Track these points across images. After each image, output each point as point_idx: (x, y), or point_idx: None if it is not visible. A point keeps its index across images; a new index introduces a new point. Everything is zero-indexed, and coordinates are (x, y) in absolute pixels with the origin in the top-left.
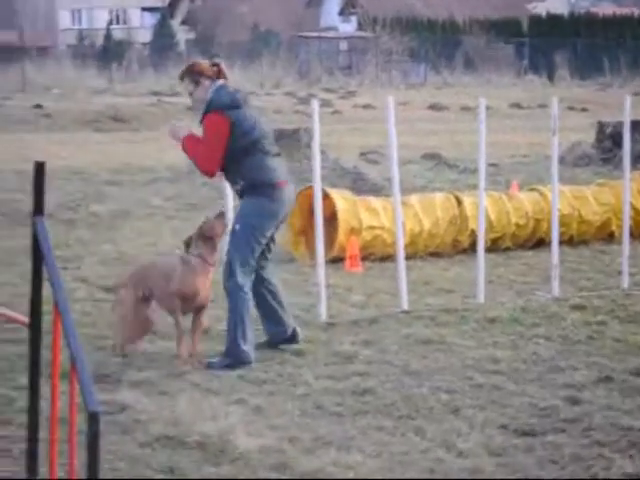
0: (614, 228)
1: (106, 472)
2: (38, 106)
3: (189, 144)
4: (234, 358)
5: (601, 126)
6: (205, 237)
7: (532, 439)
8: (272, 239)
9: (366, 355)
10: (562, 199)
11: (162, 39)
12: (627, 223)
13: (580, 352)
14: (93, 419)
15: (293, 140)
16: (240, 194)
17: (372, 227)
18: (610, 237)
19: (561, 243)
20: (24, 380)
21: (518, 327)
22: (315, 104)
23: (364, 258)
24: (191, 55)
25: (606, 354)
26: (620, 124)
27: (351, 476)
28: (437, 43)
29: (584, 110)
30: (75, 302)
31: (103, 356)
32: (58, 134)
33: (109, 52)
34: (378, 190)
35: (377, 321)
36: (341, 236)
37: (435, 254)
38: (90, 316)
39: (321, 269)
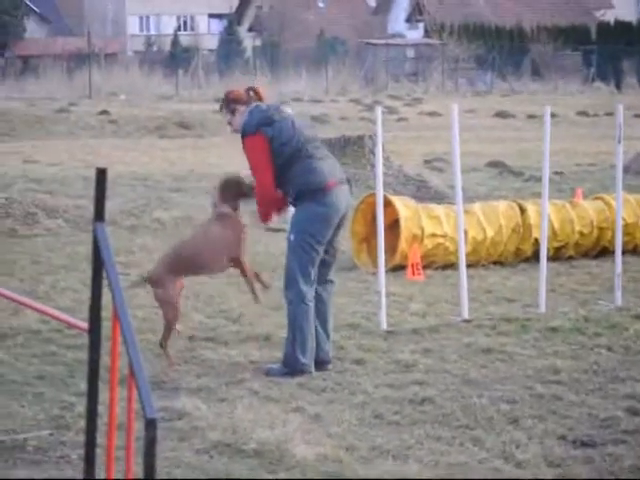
0: None
1: (163, 478)
2: (104, 112)
3: (260, 202)
4: (292, 369)
5: None
6: (230, 192)
7: (592, 450)
8: (333, 246)
9: (426, 364)
10: (627, 208)
11: (229, 46)
12: None
13: None
14: (150, 426)
15: (358, 147)
16: (293, 204)
17: (434, 235)
18: None
19: (625, 252)
20: (83, 386)
21: (580, 337)
22: (379, 111)
23: (426, 266)
24: (257, 61)
25: None
26: None
27: None
28: (504, 50)
29: None
30: (135, 308)
31: (162, 362)
32: (123, 140)
33: (176, 58)
34: (441, 198)
35: (437, 330)
36: (403, 244)
37: (498, 262)
38: (150, 322)
39: (382, 277)
